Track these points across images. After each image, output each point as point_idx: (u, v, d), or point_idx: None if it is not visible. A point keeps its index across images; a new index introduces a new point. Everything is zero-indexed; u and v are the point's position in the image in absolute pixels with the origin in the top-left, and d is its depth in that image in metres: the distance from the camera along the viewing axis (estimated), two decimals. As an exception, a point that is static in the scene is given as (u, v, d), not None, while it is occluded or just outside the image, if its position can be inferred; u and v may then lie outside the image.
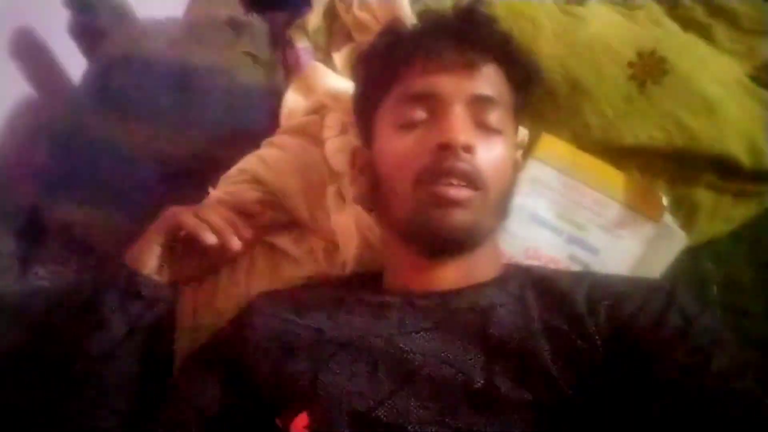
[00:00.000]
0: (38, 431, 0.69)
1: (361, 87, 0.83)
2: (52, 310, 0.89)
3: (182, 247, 0.79)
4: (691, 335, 0.59)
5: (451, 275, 0.71)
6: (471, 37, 0.74)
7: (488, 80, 0.73)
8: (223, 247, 0.76)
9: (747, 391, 0.54)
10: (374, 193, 0.77)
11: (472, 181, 0.67)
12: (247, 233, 0.80)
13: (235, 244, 0.77)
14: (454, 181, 0.67)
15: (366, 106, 0.80)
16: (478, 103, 0.71)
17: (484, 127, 0.71)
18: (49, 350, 0.79)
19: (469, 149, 0.67)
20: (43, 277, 0.95)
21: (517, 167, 0.79)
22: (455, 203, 0.67)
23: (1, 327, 0.88)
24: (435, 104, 0.70)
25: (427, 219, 0.68)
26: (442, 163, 0.67)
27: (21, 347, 0.85)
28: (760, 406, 0.52)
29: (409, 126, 0.71)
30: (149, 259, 0.76)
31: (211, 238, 0.75)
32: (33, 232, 1.00)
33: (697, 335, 0.59)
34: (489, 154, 0.70)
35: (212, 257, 0.81)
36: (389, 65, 0.76)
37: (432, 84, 0.71)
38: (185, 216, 0.76)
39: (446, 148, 0.67)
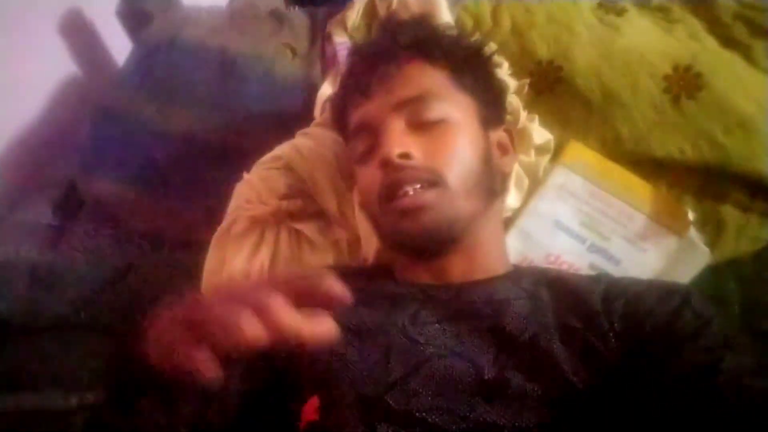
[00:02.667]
0: None
1: (335, 127, 0.88)
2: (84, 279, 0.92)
3: None
4: (704, 336, 0.59)
5: (457, 267, 0.72)
6: (382, 52, 0.77)
7: (411, 81, 0.74)
8: None
9: (759, 391, 0.54)
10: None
11: (423, 181, 0.69)
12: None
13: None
14: (409, 189, 0.69)
15: (345, 142, 0.86)
16: (408, 106, 0.73)
17: (424, 124, 0.72)
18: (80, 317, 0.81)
19: (406, 156, 0.69)
20: (77, 248, 0.99)
21: (491, 144, 0.77)
22: (416, 209, 0.68)
23: (36, 294, 0.92)
24: (372, 130, 0.74)
25: (400, 231, 0.71)
26: (389, 180, 0.70)
27: (54, 314, 0.89)
28: None
29: (362, 157, 0.76)
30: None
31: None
32: (69, 205, 1.03)
33: (710, 336, 0.59)
34: (434, 146, 0.71)
35: None
36: (339, 106, 0.83)
37: (362, 114, 0.75)
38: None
39: (386, 165, 0.70)
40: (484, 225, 0.74)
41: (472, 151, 0.73)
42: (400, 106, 0.72)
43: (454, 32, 0.83)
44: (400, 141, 0.70)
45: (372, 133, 0.74)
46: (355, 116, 0.77)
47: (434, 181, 0.69)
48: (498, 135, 0.79)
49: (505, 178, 0.81)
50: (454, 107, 0.74)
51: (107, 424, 0.62)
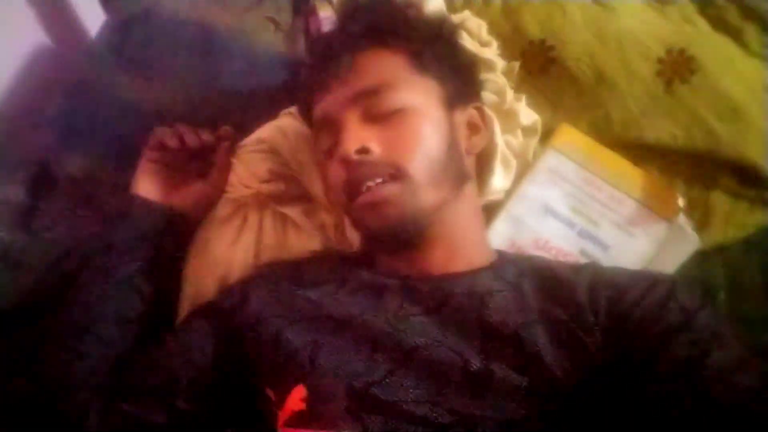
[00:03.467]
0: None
1: (305, 123, 0.85)
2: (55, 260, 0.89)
3: (179, 172, 0.86)
4: (690, 329, 0.59)
5: (435, 258, 0.71)
6: (336, 44, 0.74)
7: (366, 71, 0.71)
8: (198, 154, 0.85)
9: (745, 386, 0.54)
10: None
11: (384, 175, 0.67)
12: (207, 136, 0.86)
13: (193, 140, 0.83)
14: (370, 184, 0.67)
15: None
16: (363, 99, 0.70)
17: (382, 116, 0.70)
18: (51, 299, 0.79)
19: (364, 150, 0.68)
20: (49, 227, 0.95)
21: (456, 125, 0.75)
22: (380, 204, 0.67)
23: (5, 275, 0.88)
24: (330, 127, 0.72)
25: (368, 225, 0.70)
26: (351, 175, 0.69)
27: (24, 295, 0.86)
28: (759, 400, 0.53)
29: (326, 153, 0.74)
30: (142, 181, 0.84)
31: (173, 141, 0.82)
32: (41, 184, 0.99)
33: (696, 329, 0.59)
34: (393, 137, 0.69)
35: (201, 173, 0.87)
36: (304, 110, 0.82)
37: (322, 110, 0.74)
38: (158, 129, 0.84)
39: (346, 162, 0.69)
40: (456, 211, 0.72)
41: (436, 138, 0.70)
42: (356, 98, 0.70)
43: (413, 12, 0.79)
44: (357, 136, 0.68)
45: (333, 128, 0.72)
46: (317, 111, 0.74)
47: (395, 174, 0.67)
48: (467, 114, 0.77)
49: (478, 158, 0.79)
50: (414, 94, 0.71)
51: None
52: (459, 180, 0.73)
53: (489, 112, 0.84)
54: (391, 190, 0.67)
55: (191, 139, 0.83)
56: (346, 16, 0.78)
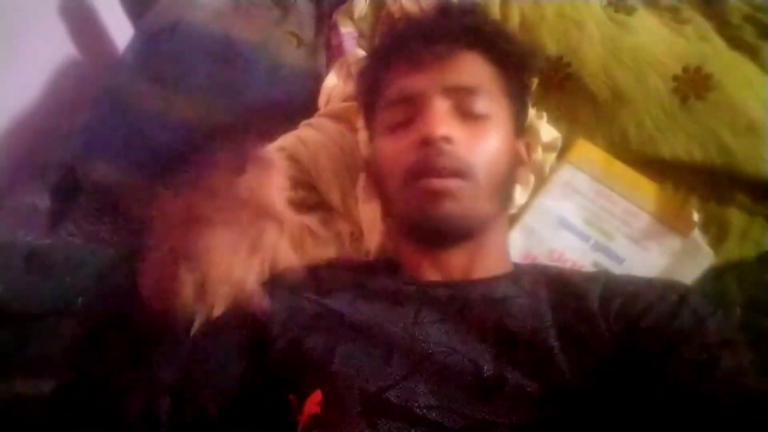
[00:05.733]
0: None
1: (362, 93, 0.86)
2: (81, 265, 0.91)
3: None
4: (701, 334, 0.59)
5: (460, 263, 0.72)
6: (442, 31, 0.75)
7: (466, 69, 0.74)
8: None
9: (756, 391, 0.54)
10: (377, 191, 0.81)
11: (457, 170, 0.68)
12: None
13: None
14: (441, 173, 0.68)
15: (367, 115, 0.84)
16: (458, 93, 0.72)
17: (469, 116, 0.72)
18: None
19: (448, 140, 0.69)
20: (74, 233, 0.97)
21: (517, 152, 0.78)
22: (443, 194, 0.68)
23: (31, 279, 0.90)
24: (414, 104, 0.73)
25: (419, 213, 0.70)
26: (426, 159, 0.69)
27: (49, 299, 0.88)
28: None
29: (394, 129, 0.74)
30: None
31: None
32: (67, 190, 1.02)
33: (707, 335, 0.59)
34: (475, 140, 0.70)
35: None
36: (376, 72, 0.80)
37: (408, 85, 0.74)
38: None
39: (426, 144, 0.69)
40: (494, 228, 0.74)
41: (504, 154, 0.73)
42: (452, 91, 0.72)
43: (511, 33, 0.82)
44: (446, 123, 0.70)
45: (413, 107, 0.72)
46: (398, 85, 0.75)
47: (465, 173, 0.69)
48: (520, 144, 0.80)
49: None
50: (498, 108, 0.74)
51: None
52: (507, 200, 0.76)
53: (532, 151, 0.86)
54: (458, 184, 0.68)
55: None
56: (452, 11, 0.81)
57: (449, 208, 0.68)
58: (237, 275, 0.84)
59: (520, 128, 0.80)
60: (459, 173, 0.68)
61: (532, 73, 0.83)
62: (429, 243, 0.73)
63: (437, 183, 0.68)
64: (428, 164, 0.68)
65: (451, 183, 0.68)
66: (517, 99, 0.78)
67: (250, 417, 0.72)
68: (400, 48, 0.76)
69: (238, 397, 0.71)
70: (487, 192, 0.70)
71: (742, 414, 0.53)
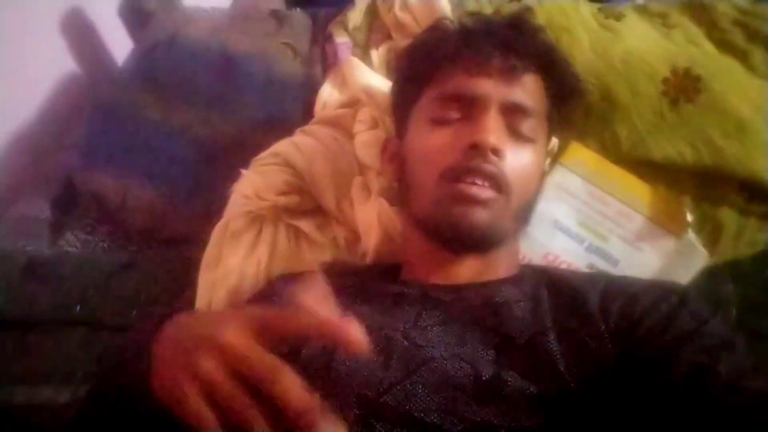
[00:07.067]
0: None
1: (402, 78, 0.84)
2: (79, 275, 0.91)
3: None
4: (701, 337, 0.59)
5: (468, 271, 0.72)
6: (516, 45, 0.75)
7: (526, 89, 0.74)
8: None
9: (756, 392, 0.54)
10: (400, 185, 0.79)
11: (496, 183, 0.69)
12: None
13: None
14: (478, 181, 0.68)
15: (404, 98, 0.82)
16: (513, 111, 0.72)
17: (516, 134, 0.72)
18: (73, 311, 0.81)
19: (497, 152, 0.69)
20: (73, 243, 0.98)
21: (543, 176, 0.80)
22: (476, 201, 0.68)
23: (31, 288, 0.91)
24: (471, 105, 0.72)
25: (447, 214, 0.69)
26: (469, 162, 0.68)
27: (48, 309, 0.88)
28: None
29: (442, 123, 0.73)
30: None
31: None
32: (67, 201, 1.03)
33: (706, 337, 0.59)
34: (517, 161, 0.71)
35: None
36: (433, 61, 0.77)
37: (472, 86, 0.73)
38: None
39: (476, 148, 0.68)
40: (508, 244, 0.75)
41: (537, 179, 0.75)
42: (510, 106, 0.72)
43: (568, 61, 0.83)
44: (500, 135, 0.70)
45: (470, 109, 0.72)
46: (460, 82, 0.74)
47: (503, 189, 0.69)
48: (545, 164, 0.82)
49: None
50: (542, 133, 0.76)
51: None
52: (526, 222, 0.77)
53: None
54: (493, 196, 0.69)
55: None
56: (526, 25, 0.80)
57: (478, 216, 0.68)
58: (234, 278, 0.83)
59: (548, 150, 0.82)
60: (496, 185, 0.69)
61: (579, 103, 0.84)
62: (445, 246, 0.73)
63: (475, 189, 0.68)
64: (471, 168, 0.68)
65: (486, 192, 0.68)
66: (555, 127, 0.80)
67: None
68: (468, 46, 0.74)
69: None
70: (515, 209, 0.71)
71: (741, 415, 0.52)
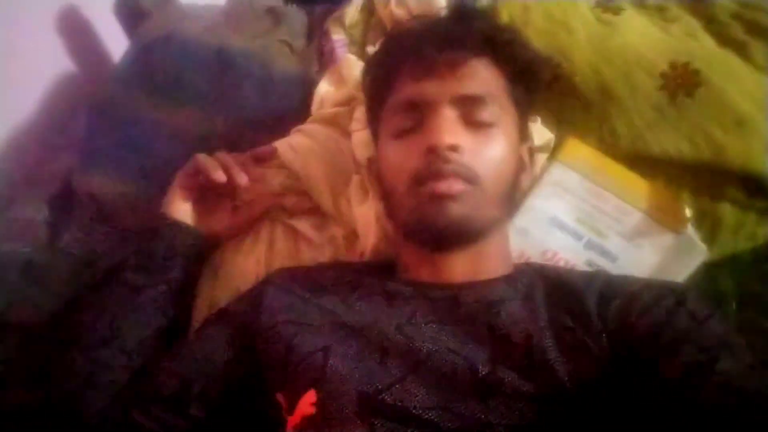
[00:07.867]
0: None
1: (366, 95, 0.86)
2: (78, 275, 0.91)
3: (212, 198, 0.85)
4: (698, 336, 0.59)
5: (459, 267, 0.73)
6: (453, 36, 0.75)
7: (478, 77, 0.74)
8: (234, 186, 0.82)
9: (753, 392, 0.54)
10: (381, 197, 0.81)
11: (463, 178, 0.69)
12: (254, 171, 0.85)
13: (242, 179, 0.81)
14: (447, 179, 0.69)
15: (372, 114, 0.84)
16: (466, 102, 0.72)
17: (475, 124, 0.72)
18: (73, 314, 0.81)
19: (455, 148, 0.69)
20: (71, 244, 0.98)
21: (521, 158, 0.79)
22: (448, 197, 0.68)
23: (29, 291, 0.91)
24: (422, 110, 0.72)
25: (422, 216, 0.70)
26: (431, 165, 0.69)
27: (47, 310, 0.88)
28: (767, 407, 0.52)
29: (401, 134, 0.74)
30: (175, 204, 0.84)
31: (219, 176, 0.80)
32: (64, 201, 1.03)
33: (704, 337, 0.59)
34: (481, 149, 0.71)
35: (236, 202, 0.88)
36: (385, 73, 0.79)
37: (417, 91, 0.73)
38: (200, 157, 0.82)
39: (433, 151, 0.69)
40: (496, 234, 0.75)
41: (510, 162, 0.74)
42: (461, 99, 0.72)
43: (523, 39, 0.82)
44: (453, 132, 0.70)
45: (422, 114, 0.73)
46: (408, 90, 0.74)
47: (471, 179, 0.69)
48: (523, 149, 0.80)
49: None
50: (505, 115, 0.74)
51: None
52: (511, 207, 0.77)
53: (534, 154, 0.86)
54: (463, 188, 0.69)
55: (237, 176, 0.81)
56: (464, 16, 0.80)
57: (453, 210, 0.68)
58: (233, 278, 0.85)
59: (525, 133, 0.80)
60: (464, 179, 0.69)
61: (541, 80, 0.83)
62: (431, 247, 0.73)
63: (442, 185, 0.68)
64: (434, 171, 0.69)
65: (456, 186, 0.68)
66: (524, 105, 0.79)
67: (236, 416, 0.74)
68: (411, 51, 0.76)
69: (224, 391, 0.73)
70: (491, 197, 0.71)
71: (740, 415, 0.53)
